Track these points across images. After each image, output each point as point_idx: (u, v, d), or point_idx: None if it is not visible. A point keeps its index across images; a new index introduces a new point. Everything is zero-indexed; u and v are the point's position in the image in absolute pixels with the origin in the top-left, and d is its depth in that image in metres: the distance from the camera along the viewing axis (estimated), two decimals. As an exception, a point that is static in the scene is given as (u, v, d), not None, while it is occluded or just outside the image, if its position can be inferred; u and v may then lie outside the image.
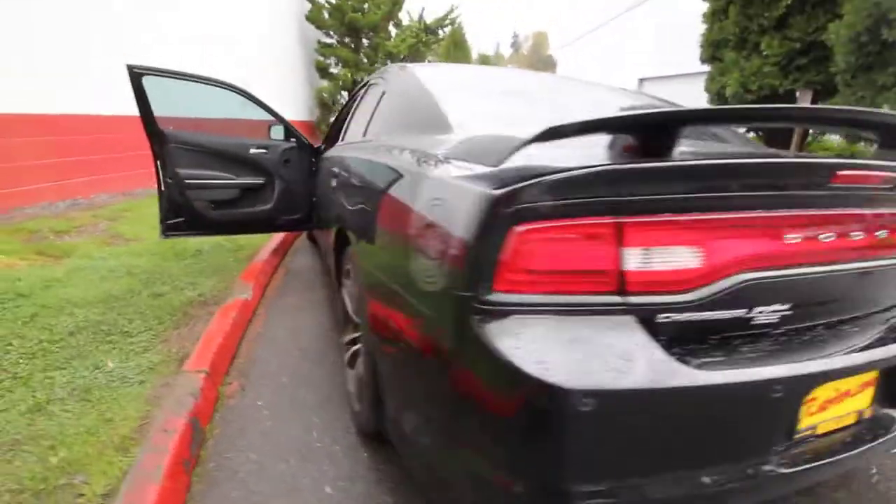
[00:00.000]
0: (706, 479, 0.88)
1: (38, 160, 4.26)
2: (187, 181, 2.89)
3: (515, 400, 0.80)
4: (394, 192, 1.18)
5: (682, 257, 0.86)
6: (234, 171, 3.11)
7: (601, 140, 1.06)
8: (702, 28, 7.79)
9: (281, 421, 1.73)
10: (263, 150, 3.16)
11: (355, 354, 1.75)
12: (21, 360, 1.90)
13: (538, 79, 2.14)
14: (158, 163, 2.86)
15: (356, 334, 1.78)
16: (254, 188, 3.18)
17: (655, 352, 0.81)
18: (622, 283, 0.84)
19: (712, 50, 7.65)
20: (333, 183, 1.94)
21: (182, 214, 2.96)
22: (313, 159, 3.34)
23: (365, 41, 10.62)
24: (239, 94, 2.99)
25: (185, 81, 2.81)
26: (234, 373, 2.04)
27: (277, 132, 3.33)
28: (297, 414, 1.78)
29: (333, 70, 10.53)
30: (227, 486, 1.42)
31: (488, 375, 0.83)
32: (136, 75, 2.60)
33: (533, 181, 0.79)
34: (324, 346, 2.34)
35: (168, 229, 2.97)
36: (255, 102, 3.02)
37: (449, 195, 0.90)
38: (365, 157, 1.56)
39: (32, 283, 2.56)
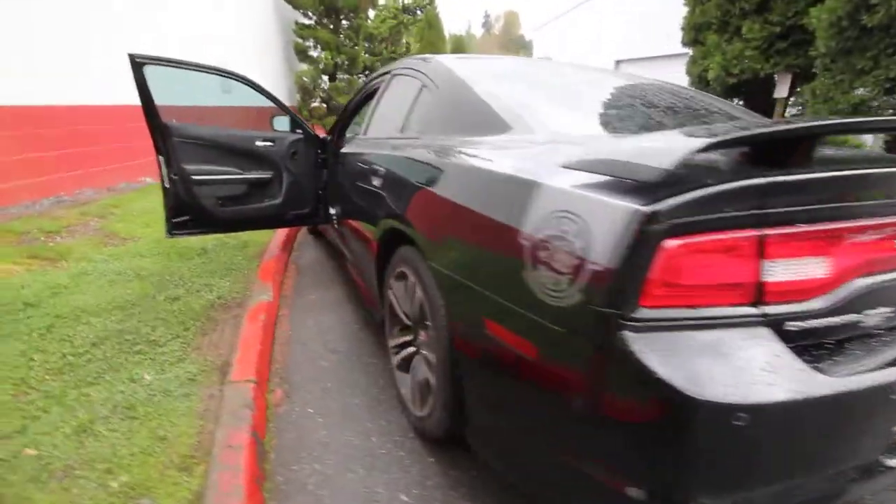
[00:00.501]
0: (828, 481, 0.92)
1: (17, 155, 3.96)
2: (194, 177, 2.75)
3: (664, 415, 0.80)
4: (490, 197, 1.13)
5: (812, 266, 0.87)
6: (240, 165, 2.97)
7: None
8: (681, 10, 7.86)
9: (336, 428, 1.70)
10: (270, 143, 3.03)
11: (408, 358, 1.72)
12: (48, 377, 1.79)
13: (585, 73, 2.11)
14: (161, 158, 2.71)
15: (407, 338, 1.75)
16: (260, 183, 3.06)
17: (794, 361, 0.82)
18: (760, 294, 0.84)
19: (694, 33, 7.73)
20: (376, 181, 1.86)
21: (189, 212, 2.82)
22: (319, 151, 3.23)
23: (345, 22, 10.26)
24: (242, 82, 2.84)
25: (187, 70, 2.66)
26: (276, 379, 1.98)
27: (280, 123, 3.19)
28: (350, 420, 1.74)
29: (313, 53, 10.15)
30: (299, 499, 1.39)
31: (633, 390, 0.82)
32: (138, 64, 2.44)
33: (686, 196, 0.77)
34: (356, 346, 2.29)
35: (174, 228, 2.83)
36: (259, 91, 2.88)
37: (584, 209, 0.87)
38: (430, 158, 1.49)
39: (38, 290, 2.41)
